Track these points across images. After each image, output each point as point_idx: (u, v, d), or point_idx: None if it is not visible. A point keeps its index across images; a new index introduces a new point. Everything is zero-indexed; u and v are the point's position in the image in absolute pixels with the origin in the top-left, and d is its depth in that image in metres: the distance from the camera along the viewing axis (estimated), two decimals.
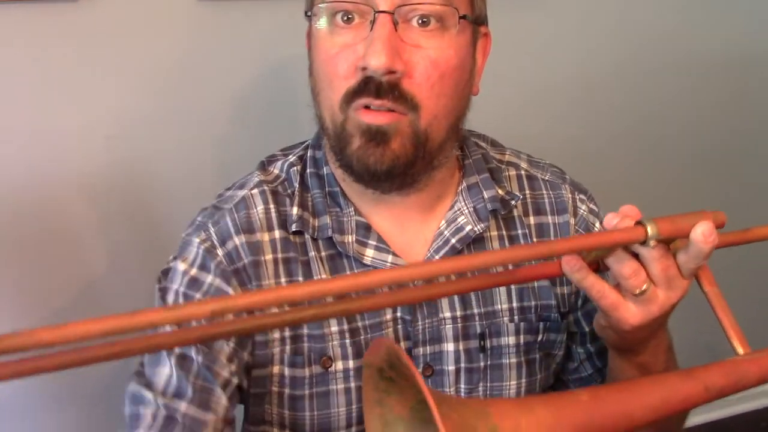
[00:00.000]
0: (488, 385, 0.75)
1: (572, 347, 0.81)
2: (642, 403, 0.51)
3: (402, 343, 0.73)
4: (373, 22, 0.64)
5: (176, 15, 1.11)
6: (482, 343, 0.74)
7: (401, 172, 0.67)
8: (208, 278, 0.70)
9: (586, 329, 0.79)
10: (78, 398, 1.18)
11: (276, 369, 0.71)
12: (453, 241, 0.73)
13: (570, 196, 0.80)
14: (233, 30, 1.15)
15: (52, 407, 1.18)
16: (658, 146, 1.58)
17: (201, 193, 0.78)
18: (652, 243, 0.53)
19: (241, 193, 0.75)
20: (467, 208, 0.75)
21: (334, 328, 0.71)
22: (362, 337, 0.72)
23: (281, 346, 0.71)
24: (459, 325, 0.74)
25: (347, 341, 0.71)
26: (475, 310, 0.74)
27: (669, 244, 0.57)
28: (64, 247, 1.13)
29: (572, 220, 0.80)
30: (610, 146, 1.53)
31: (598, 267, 0.60)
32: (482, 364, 0.74)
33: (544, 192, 0.80)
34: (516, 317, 0.75)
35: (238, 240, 0.71)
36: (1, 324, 1.11)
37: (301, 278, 0.71)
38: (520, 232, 0.77)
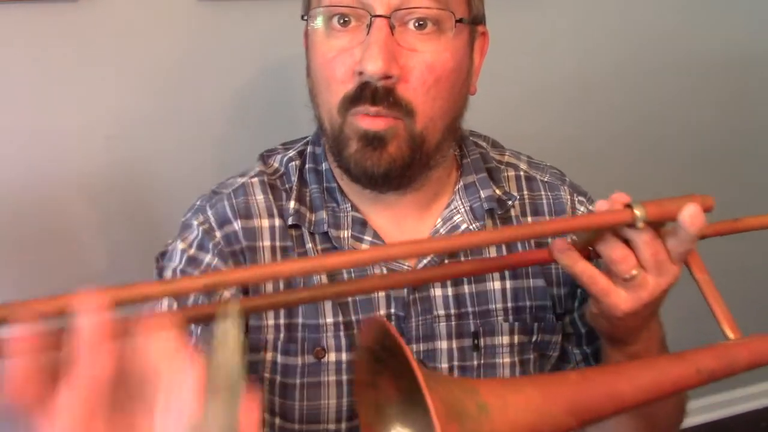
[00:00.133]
0: None
1: (568, 348, 0.81)
2: (632, 384, 0.52)
3: None
4: (369, 26, 0.64)
5: (176, 15, 1.11)
6: (476, 341, 0.74)
7: (398, 175, 0.68)
8: (207, 257, 0.71)
9: (583, 331, 0.79)
10: None
11: (269, 356, 0.72)
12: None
13: (569, 197, 0.80)
14: (233, 30, 1.15)
15: None
16: (657, 146, 1.58)
17: (201, 193, 0.79)
18: (640, 225, 0.54)
19: (241, 180, 0.76)
20: (463, 207, 0.76)
21: (329, 320, 0.72)
22: (356, 331, 0.72)
23: (275, 333, 0.72)
24: (453, 323, 0.74)
25: (341, 333, 0.71)
26: (470, 309, 0.74)
27: (659, 229, 0.58)
28: (64, 247, 1.13)
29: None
30: (609, 146, 1.53)
31: (590, 254, 0.61)
32: (475, 362, 0.74)
33: (543, 193, 0.80)
34: (510, 317, 0.75)
35: (235, 224, 0.73)
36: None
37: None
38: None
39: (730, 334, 0.57)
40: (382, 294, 0.72)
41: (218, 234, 0.73)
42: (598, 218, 0.56)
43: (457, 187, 0.77)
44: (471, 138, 0.81)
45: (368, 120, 0.66)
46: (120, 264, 1.16)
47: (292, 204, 0.74)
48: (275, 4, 1.15)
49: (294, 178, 0.76)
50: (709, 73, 1.58)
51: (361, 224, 0.73)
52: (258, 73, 1.19)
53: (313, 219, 0.73)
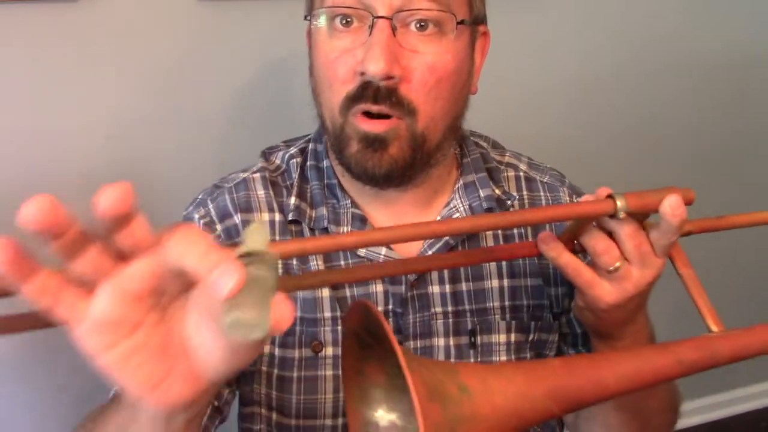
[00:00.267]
0: None
1: (564, 349, 0.81)
2: (615, 371, 0.52)
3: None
4: (371, 27, 0.65)
5: (176, 15, 1.11)
6: (472, 339, 0.75)
7: (399, 174, 0.69)
8: None
9: (578, 331, 0.79)
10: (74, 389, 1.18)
11: (266, 349, 0.73)
12: (447, 236, 0.74)
13: (568, 199, 0.81)
14: (233, 30, 1.15)
15: (47, 399, 1.18)
16: (658, 147, 1.59)
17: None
18: (621, 215, 0.55)
19: (243, 175, 0.77)
20: (463, 205, 0.76)
21: (327, 314, 0.72)
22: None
23: None
24: (450, 320, 0.74)
25: (339, 328, 0.72)
26: (467, 307, 0.75)
27: (642, 222, 0.59)
28: None
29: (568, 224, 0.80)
30: (610, 147, 1.53)
31: (575, 248, 0.62)
32: (472, 360, 0.75)
33: (542, 194, 0.80)
34: (508, 315, 0.76)
35: (236, 218, 0.74)
36: None
37: (295, 263, 0.73)
38: (516, 231, 0.77)
39: (714, 327, 0.58)
40: (380, 290, 0.73)
41: (219, 227, 0.74)
42: (579, 207, 0.57)
43: (456, 186, 0.77)
44: (472, 138, 0.81)
45: (369, 123, 0.66)
46: None
47: (292, 200, 0.74)
48: (275, 4, 1.16)
49: (295, 175, 0.76)
50: (710, 74, 1.58)
51: (361, 220, 0.74)
52: (258, 73, 1.19)
53: (314, 215, 0.74)
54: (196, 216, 0.75)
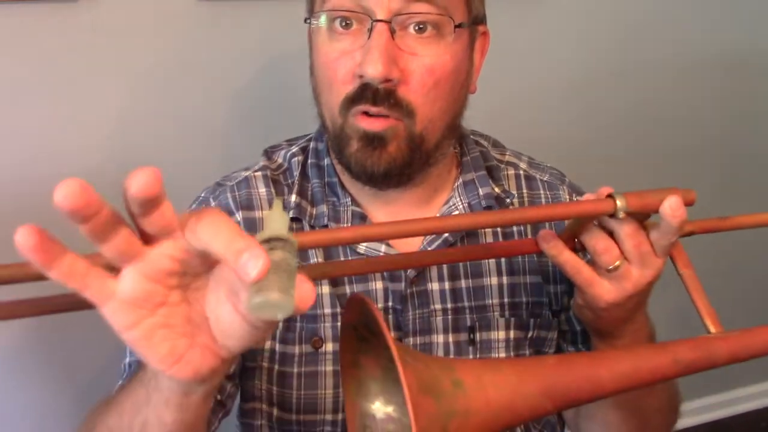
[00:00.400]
0: None
1: (564, 346, 0.81)
2: (610, 369, 0.53)
3: (392, 334, 0.74)
4: (370, 30, 0.65)
5: (176, 15, 1.11)
6: (472, 336, 0.75)
7: (398, 173, 0.69)
8: None
9: (578, 328, 0.80)
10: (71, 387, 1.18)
11: (267, 344, 0.73)
12: (446, 233, 0.74)
13: (567, 197, 0.81)
14: (233, 30, 1.15)
15: (47, 398, 1.19)
16: (658, 147, 1.58)
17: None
18: (621, 214, 0.55)
19: (245, 173, 0.78)
20: (462, 203, 0.76)
21: (327, 310, 0.73)
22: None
23: None
24: (449, 317, 0.74)
25: (339, 324, 0.72)
26: (466, 304, 0.75)
27: (642, 222, 0.59)
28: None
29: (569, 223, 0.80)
30: (610, 147, 1.53)
31: (575, 246, 0.62)
32: (471, 357, 0.75)
33: (542, 192, 0.81)
34: (507, 312, 0.76)
35: (237, 216, 0.74)
36: (2, 324, 1.11)
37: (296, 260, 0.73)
38: (515, 229, 0.78)
39: (712, 328, 0.59)
40: (380, 287, 0.73)
41: None
42: (579, 206, 0.58)
43: (456, 185, 0.78)
44: (472, 137, 0.82)
45: (368, 121, 0.67)
46: None
47: (293, 198, 0.75)
48: (275, 4, 1.16)
49: (296, 173, 0.77)
50: (710, 74, 1.58)
51: (361, 218, 0.74)
52: (258, 73, 1.19)
53: (314, 213, 0.75)
54: None
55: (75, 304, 0.43)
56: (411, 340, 0.74)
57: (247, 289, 0.36)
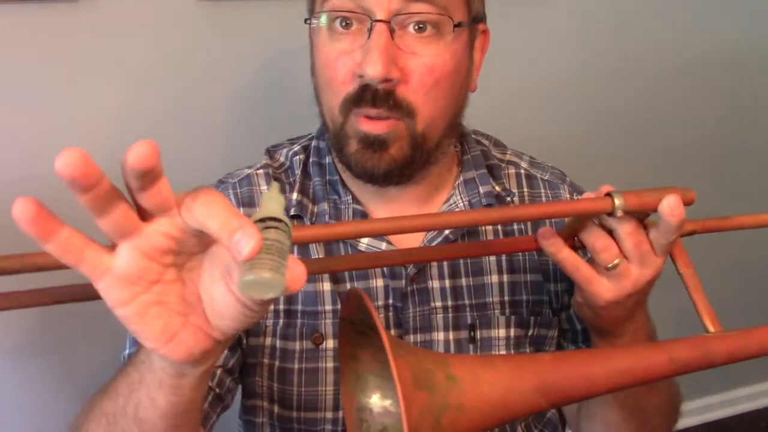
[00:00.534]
0: None
1: (564, 345, 0.82)
2: (605, 367, 0.53)
3: (393, 331, 0.74)
4: (370, 31, 0.65)
5: (176, 15, 1.12)
6: (472, 334, 0.75)
7: (398, 173, 0.69)
8: None
9: (578, 327, 0.80)
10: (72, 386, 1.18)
11: (268, 341, 0.73)
12: (446, 231, 0.75)
13: (568, 196, 0.81)
14: (233, 30, 1.15)
15: (49, 393, 1.18)
16: (658, 147, 1.59)
17: None
18: (619, 213, 0.56)
19: (247, 171, 0.79)
20: (462, 201, 0.77)
21: (328, 307, 0.73)
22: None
23: (275, 318, 0.74)
24: (450, 315, 0.75)
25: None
26: (466, 301, 0.75)
27: (642, 221, 0.59)
28: None
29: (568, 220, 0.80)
30: (611, 147, 1.53)
31: (574, 244, 0.62)
32: (471, 354, 0.75)
33: (542, 191, 0.81)
34: (507, 310, 0.76)
35: None
36: (2, 324, 1.11)
37: (296, 254, 0.73)
38: (516, 227, 0.78)
39: (711, 328, 0.59)
40: (380, 284, 0.74)
41: None
42: (577, 204, 0.58)
43: (457, 183, 0.78)
44: (473, 136, 0.82)
45: (369, 123, 0.67)
46: None
47: (294, 195, 0.75)
48: (275, 4, 1.16)
49: (298, 172, 0.77)
50: (711, 74, 1.58)
51: (362, 216, 0.75)
52: (258, 73, 1.19)
53: (315, 210, 0.75)
54: None
55: (74, 295, 0.44)
56: (411, 337, 0.74)
57: (239, 268, 0.37)
